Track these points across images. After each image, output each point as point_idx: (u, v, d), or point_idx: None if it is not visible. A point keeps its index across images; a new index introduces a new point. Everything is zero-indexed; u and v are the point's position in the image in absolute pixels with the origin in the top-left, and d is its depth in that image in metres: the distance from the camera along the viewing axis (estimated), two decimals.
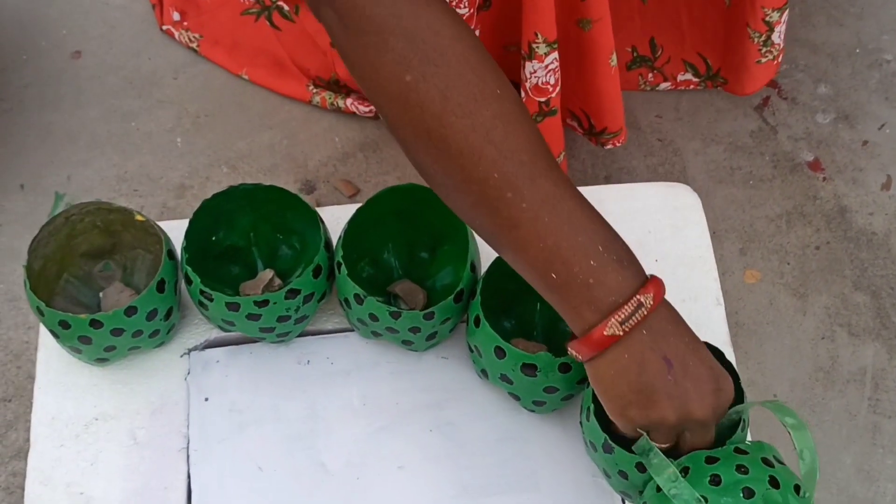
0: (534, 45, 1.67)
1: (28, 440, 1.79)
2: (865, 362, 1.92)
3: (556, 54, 1.69)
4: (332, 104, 2.19)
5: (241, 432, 1.41)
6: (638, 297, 1.08)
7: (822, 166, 2.14)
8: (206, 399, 1.43)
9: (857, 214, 2.08)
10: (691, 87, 2.18)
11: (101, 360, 1.41)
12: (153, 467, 1.38)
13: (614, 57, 1.76)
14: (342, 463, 1.39)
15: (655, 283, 1.11)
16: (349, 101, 2.17)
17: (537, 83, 1.71)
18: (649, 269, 1.49)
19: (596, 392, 1.16)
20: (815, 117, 2.21)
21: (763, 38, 1.91)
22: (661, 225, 1.56)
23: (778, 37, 1.92)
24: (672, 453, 1.20)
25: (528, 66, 1.69)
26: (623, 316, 1.07)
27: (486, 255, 1.44)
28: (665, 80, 2.18)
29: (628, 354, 1.09)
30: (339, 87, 2.20)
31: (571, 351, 1.13)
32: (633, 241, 1.52)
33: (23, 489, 1.75)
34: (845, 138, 2.18)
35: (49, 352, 1.46)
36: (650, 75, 2.17)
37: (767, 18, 1.87)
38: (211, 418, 1.41)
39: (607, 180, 2.11)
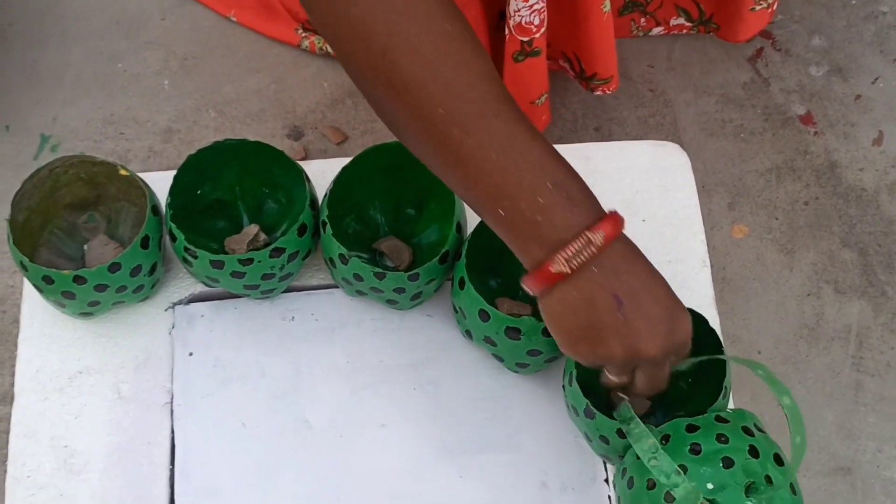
0: None
1: (13, 384, 1.80)
2: (850, 320, 1.93)
3: None
4: (321, 49, 2.16)
5: (225, 388, 1.41)
6: (587, 234, 1.07)
7: (813, 120, 2.13)
8: (191, 354, 1.43)
9: (847, 170, 2.07)
10: (684, 31, 2.16)
11: (85, 315, 1.40)
12: (137, 422, 1.38)
13: (607, 3, 1.74)
14: (325, 420, 1.39)
15: (610, 221, 1.09)
16: None
17: (521, 22, 1.69)
18: (636, 229, 1.50)
19: (547, 327, 1.16)
20: (809, 70, 2.19)
21: None
22: (650, 185, 1.55)
23: None
24: (626, 391, 1.20)
25: (513, 4, 1.67)
26: (569, 253, 1.07)
27: (473, 214, 1.44)
28: (658, 24, 2.16)
29: (577, 291, 1.09)
30: None
31: (524, 286, 1.13)
32: (621, 200, 1.53)
33: (8, 433, 1.76)
34: (838, 92, 2.17)
35: (33, 304, 1.46)
36: (643, 20, 2.15)
37: None
38: (195, 373, 1.42)
39: (597, 131, 2.09)
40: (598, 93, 1.92)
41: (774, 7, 1.96)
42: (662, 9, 2.12)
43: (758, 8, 1.94)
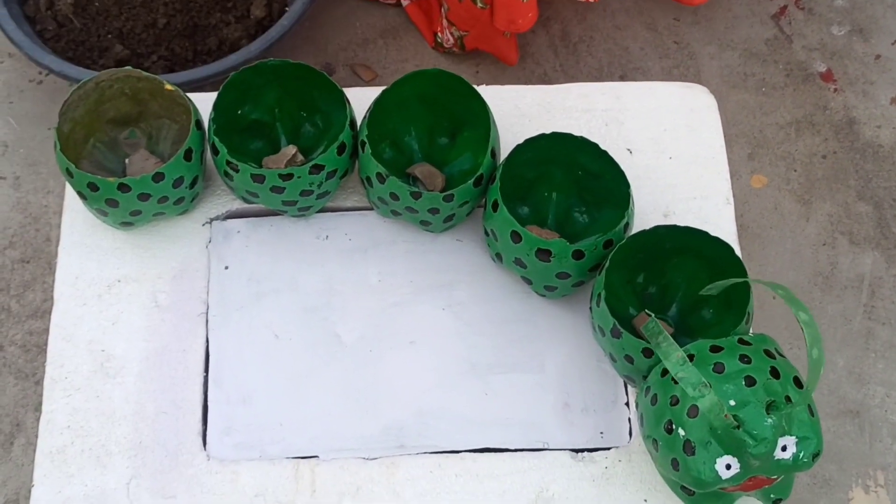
0: None
1: (45, 300, 1.85)
2: (864, 270, 1.96)
3: None
4: None
5: (259, 301, 1.45)
6: None
7: (833, 77, 2.16)
8: (226, 267, 1.47)
9: (865, 126, 2.11)
10: None
11: (126, 224, 1.44)
12: (173, 330, 1.42)
13: None
14: (356, 335, 1.43)
15: None
16: None
17: None
18: (663, 166, 1.54)
19: None
20: (831, 29, 2.22)
21: None
22: (677, 124, 1.59)
23: None
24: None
25: None
26: None
27: (506, 142, 1.48)
28: None
29: None
30: None
31: None
32: (649, 137, 1.57)
33: (38, 347, 1.81)
34: (858, 51, 2.20)
35: (74, 214, 1.49)
36: None
37: None
38: (230, 286, 1.45)
39: (622, 79, 2.13)
40: None
41: None
42: None
43: None
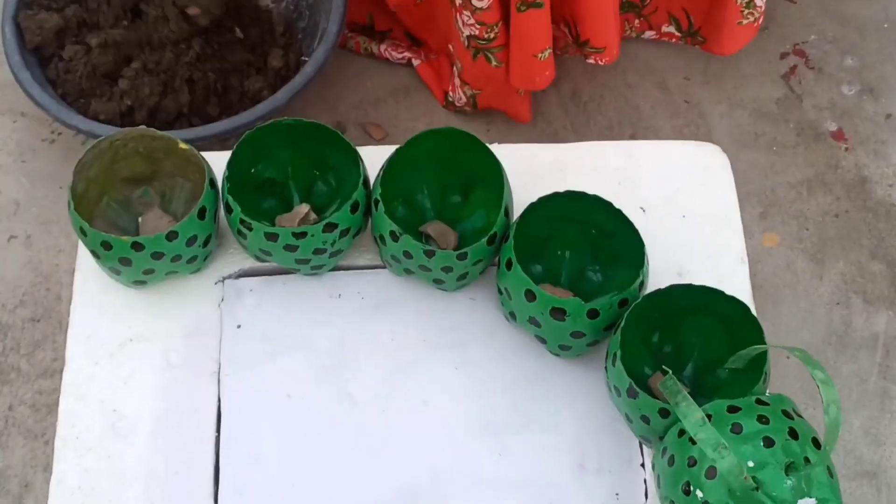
0: None
1: (55, 360, 1.84)
2: (878, 329, 1.95)
3: None
4: (365, 49, 2.21)
5: (272, 360, 1.44)
6: None
7: (845, 136, 2.17)
8: (239, 326, 1.46)
9: (877, 185, 2.11)
10: (673, 40, 2.19)
11: (139, 283, 1.44)
12: (185, 389, 1.42)
13: None
14: (369, 395, 1.42)
15: None
16: (383, 46, 2.19)
17: None
18: (676, 225, 1.53)
19: None
20: (841, 88, 2.23)
21: (745, 0, 1.93)
22: (690, 183, 1.59)
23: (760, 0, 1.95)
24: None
25: None
26: None
27: (518, 200, 1.47)
28: (650, 28, 2.19)
29: None
30: (374, 32, 2.22)
31: None
32: (662, 196, 1.56)
33: (48, 406, 1.80)
34: (869, 111, 2.21)
35: (87, 273, 1.49)
36: (637, 21, 2.18)
37: None
38: (243, 345, 1.45)
39: (633, 138, 2.13)
40: (591, 61, 1.94)
41: (760, 21, 1.99)
42: (656, 14, 2.15)
43: (745, 22, 1.98)
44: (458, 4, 1.85)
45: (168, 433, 1.39)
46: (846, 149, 2.15)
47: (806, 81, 2.24)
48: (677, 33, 2.18)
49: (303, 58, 2.05)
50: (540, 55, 1.86)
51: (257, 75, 2.03)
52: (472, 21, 1.85)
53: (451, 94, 2.11)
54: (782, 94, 2.22)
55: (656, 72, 2.22)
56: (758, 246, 2.03)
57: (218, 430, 1.39)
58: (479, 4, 1.80)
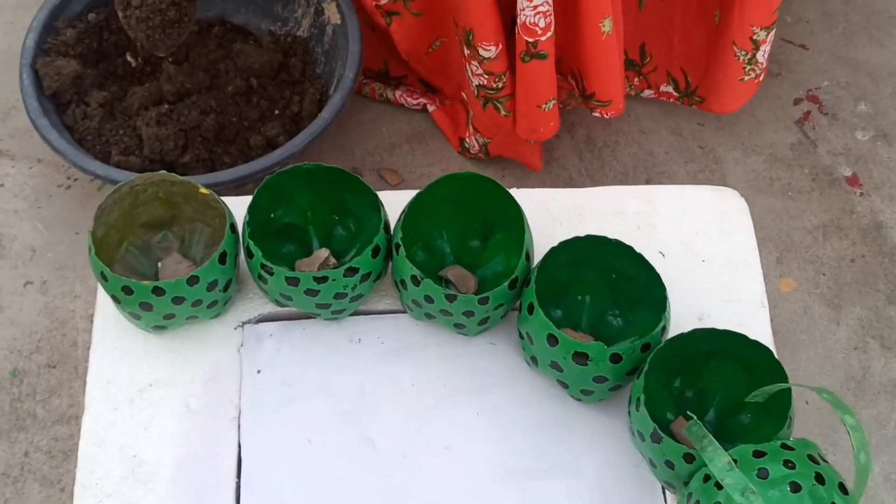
0: None
1: (71, 406, 1.83)
2: None
3: None
4: (380, 95, 2.22)
5: (292, 405, 1.43)
6: None
7: (859, 182, 2.17)
8: (259, 371, 1.45)
9: (892, 230, 2.11)
10: (671, 100, 2.20)
11: (159, 328, 1.44)
12: (205, 434, 1.41)
13: (608, 23, 1.77)
14: (390, 440, 1.41)
15: None
16: (398, 92, 2.20)
17: (525, 21, 1.72)
18: (696, 269, 1.53)
19: None
20: (855, 134, 2.23)
21: (748, 56, 1.93)
22: (709, 227, 1.59)
23: (762, 56, 1.95)
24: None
25: (519, 2, 1.70)
26: None
27: (537, 245, 1.47)
28: (649, 87, 2.20)
29: None
30: (389, 78, 2.23)
31: None
32: (681, 241, 1.56)
33: (64, 453, 1.79)
34: (883, 156, 2.21)
35: (105, 319, 1.49)
36: (636, 80, 2.19)
37: (754, 37, 1.89)
38: (262, 390, 1.44)
39: (647, 183, 2.13)
40: (597, 114, 1.94)
41: (762, 78, 2.00)
42: (656, 73, 2.16)
43: (746, 79, 1.98)
44: (466, 55, 1.86)
45: (188, 479, 1.38)
46: (861, 194, 2.15)
47: (820, 127, 2.24)
48: (675, 93, 2.19)
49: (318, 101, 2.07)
50: (544, 106, 1.86)
51: (274, 121, 2.04)
52: (480, 71, 1.85)
53: (466, 140, 2.12)
54: (796, 140, 2.22)
55: (670, 117, 2.23)
56: (774, 291, 2.02)
57: (238, 476, 1.38)
58: (486, 54, 1.81)
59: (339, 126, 1.96)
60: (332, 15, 2.07)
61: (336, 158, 2.13)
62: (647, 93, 2.21)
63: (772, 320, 1.94)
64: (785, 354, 1.95)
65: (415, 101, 2.20)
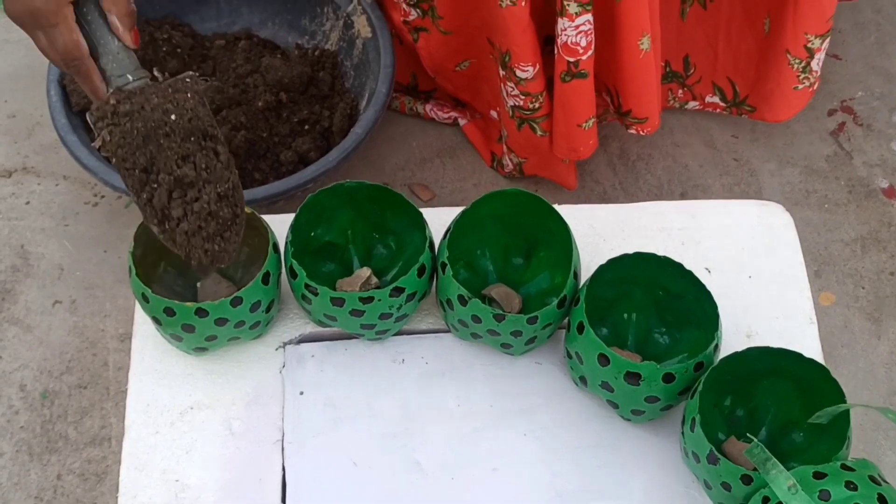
0: (566, 2, 1.67)
1: (104, 427, 1.81)
2: None
3: (589, 16, 1.68)
4: (410, 109, 2.19)
5: (336, 428, 1.41)
6: None
7: None
8: (301, 393, 1.43)
9: None
10: (718, 110, 2.18)
11: (200, 350, 1.42)
12: (249, 458, 1.39)
13: (646, 40, 1.75)
14: (437, 463, 1.39)
15: None
16: (428, 106, 2.18)
17: (567, 41, 1.70)
18: (743, 286, 1.51)
19: None
20: (891, 145, 2.21)
21: (803, 64, 1.91)
22: (755, 243, 1.57)
23: (817, 64, 1.92)
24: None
25: (560, 23, 1.69)
26: None
27: (587, 263, 1.45)
28: (694, 98, 2.17)
29: None
30: (418, 92, 2.21)
31: None
32: (727, 256, 1.54)
33: (97, 476, 1.77)
34: None
35: (144, 340, 1.47)
36: (680, 92, 2.17)
37: (809, 45, 1.87)
38: (306, 412, 1.42)
39: (682, 197, 2.11)
40: (633, 131, 1.92)
41: (816, 87, 1.97)
42: (700, 84, 2.14)
43: (801, 87, 1.96)
44: (502, 76, 1.84)
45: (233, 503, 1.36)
46: None
47: (855, 138, 2.22)
48: (722, 103, 2.16)
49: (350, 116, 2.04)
50: (584, 125, 1.84)
51: (304, 136, 2.02)
52: (516, 92, 1.83)
53: (498, 157, 2.10)
54: (832, 152, 2.20)
55: (703, 130, 2.21)
56: (814, 305, 1.99)
57: (283, 500, 1.36)
58: (523, 75, 1.79)
59: (368, 141, 1.93)
60: (362, 28, 2.04)
61: (366, 174, 2.11)
62: (692, 104, 2.18)
63: None
64: None
65: (445, 115, 2.17)
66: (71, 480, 1.78)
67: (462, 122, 2.17)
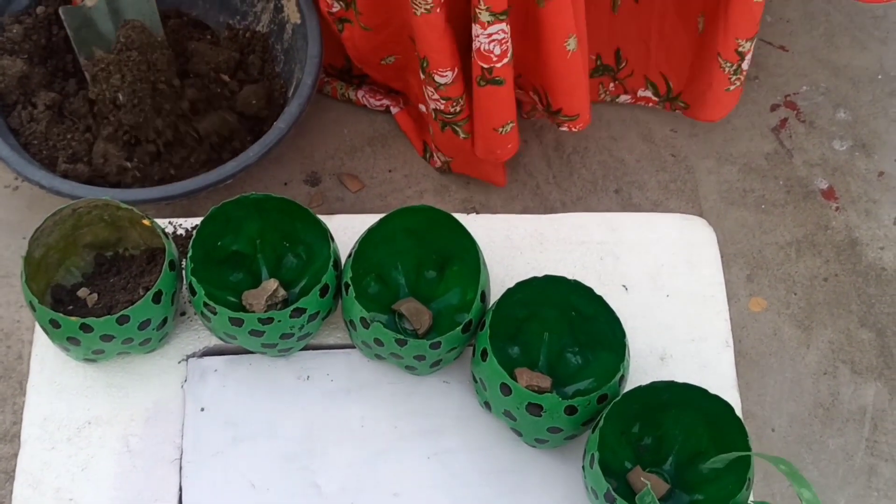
0: (478, 10, 1.64)
1: (15, 423, 1.77)
2: (866, 402, 1.90)
3: (503, 26, 1.65)
4: (342, 94, 2.15)
5: (236, 447, 1.38)
6: None
7: (835, 195, 2.11)
8: (202, 409, 1.40)
9: (867, 248, 2.05)
10: (650, 104, 2.15)
11: (89, 361, 1.39)
12: (145, 477, 1.36)
13: (572, 41, 1.71)
14: (337, 486, 1.36)
15: None
16: (360, 92, 2.13)
17: (480, 48, 1.67)
18: (660, 305, 1.48)
19: None
20: (832, 143, 2.17)
21: (734, 67, 1.88)
22: (675, 259, 1.54)
23: (746, 64, 1.90)
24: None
25: (474, 28, 1.66)
26: None
27: (497, 275, 1.42)
28: (625, 92, 2.14)
29: None
30: (352, 76, 2.16)
31: None
32: (646, 273, 1.51)
33: (7, 474, 1.73)
34: (861, 168, 2.15)
35: (44, 349, 1.43)
36: (611, 85, 2.13)
37: (739, 49, 1.84)
38: (206, 430, 1.39)
39: (617, 193, 2.07)
40: (564, 129, 1.90)
41: (743, 82, 1.95)
42: (632, 78, 2.10)
43: (732, 88, 1.93)
44: (422, 79, 1.80)
45: None
46: (836, 208, 2.10)
47: (797, 136, 2.18)
48: (654, 97, 2.13)
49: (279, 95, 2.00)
50: (501, 129, 1.81)
51: (233, 122, 1.97)
52: (436, 96, 1.80)
53: (430, 148, 2.06)
54: (772, 149, 2.16)
55: (641, 123, 2.17)
56: (744, 311, 1.97)
57: None
58: (441, 80, 1.75)
59: (298, 128, 1.89)
60: (291, 14, 1.99)
61: (295, 162, 2.07)
62: (623, 98, 2.15)
63: (740, 341, 1.91)
64: (753, 378, 1.91)
65: (377, 102, 2.13)
66: None
67: (394, 110, 2.13)
